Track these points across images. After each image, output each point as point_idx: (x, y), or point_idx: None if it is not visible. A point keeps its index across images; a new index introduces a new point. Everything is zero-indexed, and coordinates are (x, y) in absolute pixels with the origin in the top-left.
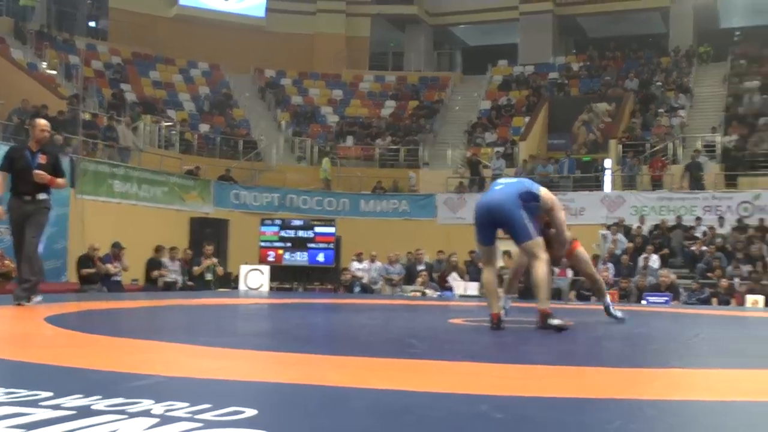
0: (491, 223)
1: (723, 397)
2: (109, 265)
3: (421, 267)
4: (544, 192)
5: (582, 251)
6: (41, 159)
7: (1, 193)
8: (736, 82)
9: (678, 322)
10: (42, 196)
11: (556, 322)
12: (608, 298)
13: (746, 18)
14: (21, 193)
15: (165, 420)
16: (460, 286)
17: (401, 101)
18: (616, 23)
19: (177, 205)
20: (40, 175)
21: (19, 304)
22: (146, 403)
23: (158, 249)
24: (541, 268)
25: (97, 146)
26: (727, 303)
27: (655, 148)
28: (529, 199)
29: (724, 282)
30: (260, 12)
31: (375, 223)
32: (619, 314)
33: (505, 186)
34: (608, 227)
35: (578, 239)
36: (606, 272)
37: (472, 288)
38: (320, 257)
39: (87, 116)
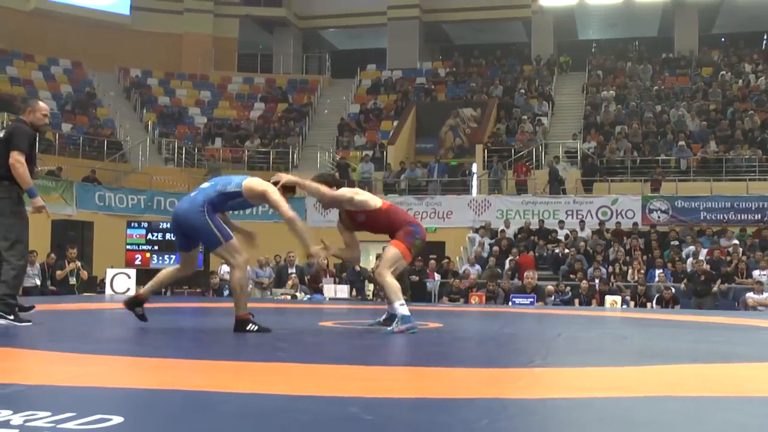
0: (181, 231)
1: (580, 394)
2: None
3: (291, 270)
4: (248, 182)
5: (394, 251)
6: None
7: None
8: (593, 92)
9: (542, 323)
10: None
11: (254, 327)
12: (399, 309)
13: (602, 31)
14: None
15: (25, 431)
16: (331, 289)
17: (270, 103)
18: (480, 31)
19: None
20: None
21: None
22: (4, 414)
23: None
24: (236, 274)
25: None
26: (588, 303)
27: (519, 154)
28: (227, 199)
29: (585, 284)
30: (125, 9)
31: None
32: (401, 327)
33: (195, 193)
34: (476, 230)
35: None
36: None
37: (343, 291)
38: None
39: None
